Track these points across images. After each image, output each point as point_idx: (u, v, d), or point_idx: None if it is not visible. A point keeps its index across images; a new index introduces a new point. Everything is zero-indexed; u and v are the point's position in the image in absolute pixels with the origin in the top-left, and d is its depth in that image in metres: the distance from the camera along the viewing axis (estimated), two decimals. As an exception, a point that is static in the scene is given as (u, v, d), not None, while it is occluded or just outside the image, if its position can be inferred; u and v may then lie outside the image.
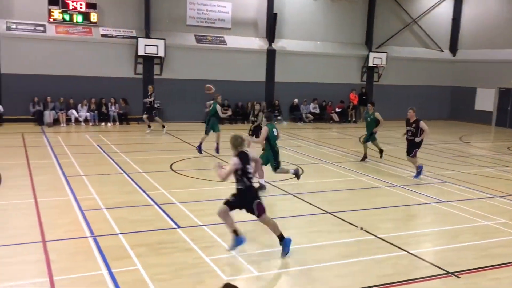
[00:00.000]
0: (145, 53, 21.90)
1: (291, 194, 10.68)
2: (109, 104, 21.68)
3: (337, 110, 26.18)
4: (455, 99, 29.11)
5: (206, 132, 14.96)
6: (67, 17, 21.06)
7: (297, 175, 11.27)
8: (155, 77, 22.81)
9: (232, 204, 7.09)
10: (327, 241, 7.87)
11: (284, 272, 6.81)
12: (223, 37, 24.03)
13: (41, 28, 20.72)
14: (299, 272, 6.71)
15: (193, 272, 6.50)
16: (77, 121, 21.02)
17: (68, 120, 20.79)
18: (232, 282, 3.52)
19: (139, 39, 21.81)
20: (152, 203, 9.58)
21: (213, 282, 6.12)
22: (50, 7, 20.75)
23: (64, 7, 20.98)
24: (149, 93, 19.53)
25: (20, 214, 8.65)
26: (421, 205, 10.40)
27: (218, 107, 15.07)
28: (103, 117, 21.47)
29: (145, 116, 19.82)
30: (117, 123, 21.65)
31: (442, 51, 29.06)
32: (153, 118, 19.70)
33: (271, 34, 24.57)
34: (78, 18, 21.23)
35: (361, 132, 22.33)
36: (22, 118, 20.32)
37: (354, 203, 10.31)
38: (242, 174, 7.05)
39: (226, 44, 23.94)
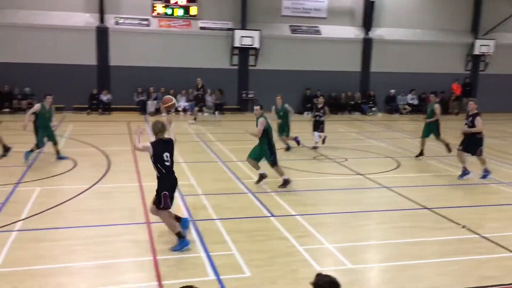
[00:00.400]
0: (241, 45, 22.35)
1: (387, 187, 10.37)
2: (206, 94, 22.45)
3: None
4: None
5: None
6: (169, 11, 22.10)
7: (286, 183, 10.07)
8: (250, 68, 23.22)
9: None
10: (424, 237, 7.55)
11: (379, 267, 6.65)
12: (318, 27, 23.79)
13: (146, 22, 21.95)
14: (395, 267, 6.51)
15: (287, 260, 6.57)
16: (176, 111, 22.04)
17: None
18: (324, 273, 3.50)
19: (235, 30, 22.30)
20: (247, 191, 9.81)
21: (306, 271, 6.15)
22: (154, 2, 21.90)
23: (167, 1, 22.03)
24: (199, 86, 19.93)
25: (127, 197, 9.30)
26: (532, 204, 9.59)
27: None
28: (201, 107, 22.27)
29: (196, 109, 20.45)
30: (217, 112, 22.36)
31: (560, 37, 26.36)
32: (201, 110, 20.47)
33: (368, 22, 23.89)
34: (179, 12, 22.20)
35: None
36: (127, 107, 21.76)
37: (455, 199, 9.77)
38: (155, 162, 6.83)
39: (321, 34, 23.69)
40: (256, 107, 10.32)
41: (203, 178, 10.76)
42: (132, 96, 21.84)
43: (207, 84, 22.39)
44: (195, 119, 19.79)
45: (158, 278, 5.93)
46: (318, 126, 14.44)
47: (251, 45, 22.42)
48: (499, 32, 25.63)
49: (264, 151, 10.11)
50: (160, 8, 21.99)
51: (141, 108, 21.60)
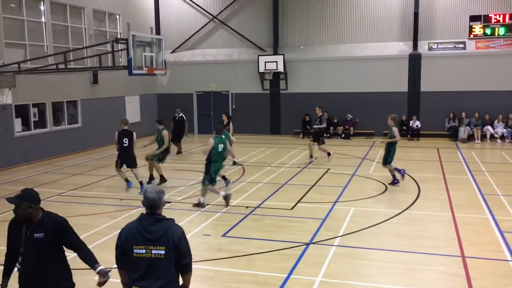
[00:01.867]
0: None
1: None
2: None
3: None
4: None
5: None
6: (488, 31, 20.65)
7: (226, 199, 10.48)
8: None
9: None
10: None
11: None
12: None
13: (461, 45, 21.06)
14: None
15: None
16: (492, 137, 20.26)
17: (483, 136, 20.30)
18: None
19: None
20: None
21: None
22: (472, 23, 20.84)
23: (486, 22, 20.64)
24: (318, 116, 15.76)
25: (439, 226, 9.02)
26: None
27: None
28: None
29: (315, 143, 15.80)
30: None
31: None
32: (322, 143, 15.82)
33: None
34: (500, 31, 20.46)
35: None
36: (437, 134, 21.22)
37: None
38: None
39: None
40: None
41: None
42: (443, 122, 21.23)
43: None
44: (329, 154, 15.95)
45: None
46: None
47: None
48: None
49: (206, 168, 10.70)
50: (478, 29, 20.77)
51: (452, 134, 20.72)
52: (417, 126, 21.35)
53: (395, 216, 9.61)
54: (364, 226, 8.92)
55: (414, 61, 21.54)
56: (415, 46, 21.55)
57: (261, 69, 22.71)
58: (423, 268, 7.01)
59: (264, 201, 10.87)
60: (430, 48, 21.50)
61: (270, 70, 22.51)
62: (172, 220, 3.97)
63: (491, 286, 6.34)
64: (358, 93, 22.10)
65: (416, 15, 21.23)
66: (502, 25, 20.42)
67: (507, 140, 19.87)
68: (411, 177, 13.16)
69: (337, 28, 22.72)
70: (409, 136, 21.37)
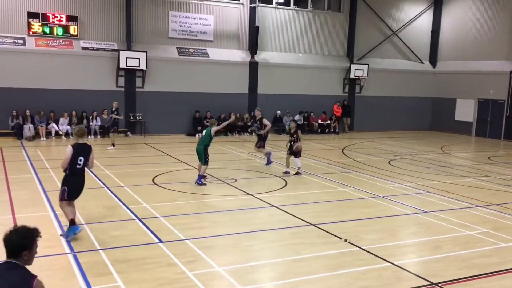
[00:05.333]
0: (127, 66, 21.79)
1: (275, 206, 10.63)
2: (90, 117, 21.45)
3: (320, 122, 26.36)
4: (436, 110, 29.50)
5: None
6: (47, 30, 20.87)
7: None
8: (137, 89, 22.68)
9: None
10: (311, 253, 7.82)
11: (269, 286, 6.73)
12: (205, 49, 24.05)
13: (21, 41, 20.48)
14: (282, 285, 6.63)
15: (176, 287, 6.38)
16: (57, 134, 20.73)
17: (49, 134, 20.50)
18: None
19: (120, 51, 21.69)
20: (134, 217, 9.43)
21: (196, 298, 6.01)
22: (30, 20, 20.56)
23: (44, 20, 20.80)
24: (114, 109, 18.85)
25: (-3, 231, 8.41)
26: (404, 215, 10.43)
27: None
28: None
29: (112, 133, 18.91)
30: (99, 136, 21.41)
31: (423, 62, 29.51)
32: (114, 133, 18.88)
33: (253, 46, 24.67)
34: (59, 31, 21.07)
35: (343, 143, 22.49)
36: (1, 132, 19.97)
37: (337, 214, 10.30)
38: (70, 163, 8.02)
39: (208, 57, 23.95)
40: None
41: (87, 205, 10.13)
42: (6, 120, 20.12)
43: (92, 107, 21.44)
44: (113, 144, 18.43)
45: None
46: (294, 151, 14.24)
47: (138, 66, 21.96)
48: (371, 57, 28.00)
49: None
50: (37, 27, 20.68)
51: (17, 133, 19.96)
52: (-24, 124, 19.43)
53: None
54: None
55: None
56: (-31, 36, 19.46)
57: None
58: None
59: None
60: (-13, 40, 19.89)
61: None
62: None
63: (49, 282, 6.30)
64: None
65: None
66: (60, 26, 21.06)
67: (71, 137, 20.75)
68: (-32, 182, 11.83)
69: None
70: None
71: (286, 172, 14.33)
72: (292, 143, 14.29)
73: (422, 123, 29.36)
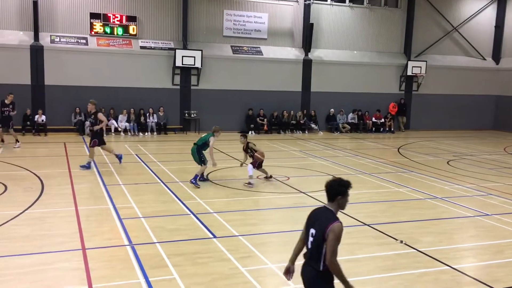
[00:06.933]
0: (183, 64, 22.24)
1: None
2: (148, 114, 22.08)
3: (373, 120, 25.83)
4: (500, 109, 28.13)
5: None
6: (108, 30, 21.69)
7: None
8: (192, 87, 23.12)
9: None
10: (365, 253, 7.68)
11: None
12: (259, 47, 24.15)
13: (83, 41, 21.39)
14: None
15: (229, 282, 6.46)
16: (116, 131, 21.49)
17: (108, 130, 21.29)
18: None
19: (176, 50, 22.18)
20: (189, 212, 9.63)
21: (249, 294, 6.06)
22: (92, 20, 21.43)
23: (105, 20, 21.62)
24: (9, 103, 16.82)
25: (62, 222, 8.85)
26: (464, 218, 10.03)
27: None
28: (142, 127, 21.88)
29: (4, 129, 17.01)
30: (155, 133, 22.01)
31: (485, 59, 28.24)
32: (7, 130, 16.98)
33: (307, 44, 24.51)
34: (119, 31, 21.83)
35: (399, 142, 21.92)
36: (64, 128, 20.97)
37: (393, 215, 10.06)
38: None
39: (262, 55, 24.04)
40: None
41: (143, 199, 10.46)
42: (69, 116, 21.12)
43: (149, 104, 22.08)
44: (2, 141, 17.09)
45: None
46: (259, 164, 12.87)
47: (193, 65, 22.37)
48: (430, 54, 27.10)
49: None
50: (98, 27, 21.55)
51: (79, 129, 20.89)
52: (42, 120, 20.50)
53: (14, 218, 8.86)
54: (-24, 235, 7.86)
55: (36, 52, 20.55)
56: (36, 37, 20.55)
57: None
58: (43, 269, 6.69)
59: None
60: (52, 41, 20.92)
61: None
62: None
63: (109, 273, 6.60)
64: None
65: (35, 4, 20.24)
66: (120, 26, 21.82)
67: (129, 134, 21.48)
68: (35, 174, 12.50)
69: None
70: (33, 131, 20.30)
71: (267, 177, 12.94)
72: (251, 157, 12.68)
73: (483, 122, 28.11)
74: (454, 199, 11.45)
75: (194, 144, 12.45)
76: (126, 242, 7.79)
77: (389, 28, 26.48)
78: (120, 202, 10.15)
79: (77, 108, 20.99)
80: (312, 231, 4.38)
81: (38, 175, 12.48)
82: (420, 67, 26.30)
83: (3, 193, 10.72)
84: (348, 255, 7.59)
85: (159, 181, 12.34)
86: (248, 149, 12.69)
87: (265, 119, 23.76)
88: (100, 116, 13.78)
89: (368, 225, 9.15)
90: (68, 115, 21.12)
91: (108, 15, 21.61)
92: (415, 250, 7.83)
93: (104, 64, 21.57)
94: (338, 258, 7.21)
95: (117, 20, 21.76)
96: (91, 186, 11.62)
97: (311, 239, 4.37)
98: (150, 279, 6.38)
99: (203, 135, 12.74)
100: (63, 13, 21.07)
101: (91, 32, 21.49)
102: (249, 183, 12.08)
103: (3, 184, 11.40)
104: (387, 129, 25.86)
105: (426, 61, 26.45)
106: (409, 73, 26.37)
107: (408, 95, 27.02)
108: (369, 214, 9.94)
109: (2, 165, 13.78)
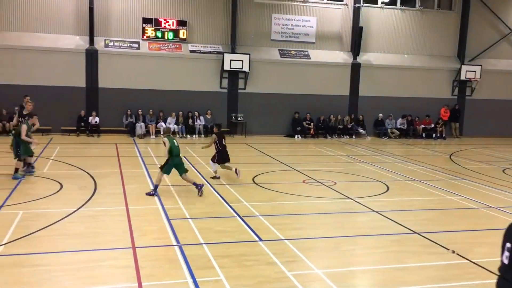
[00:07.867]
0: (230, 68, 22.48)
1: (376, 212, 10.32)
2: (195, 117, 22.45)
3: (423, 126, 25.14)
4: (560, 115, 26.72)
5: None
6: (159, 34, 22.24)
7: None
8: (240, 91, 23.31)
9: None
10: (414, 262, 7.47)
11: (369, 293, 6.55)
12: (307, 51, 24.06)
13: (136, 45, 22.03)
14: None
15: (275, 286, 6.44)
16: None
17: (158, 132, 21.81)
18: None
19: (225, 54, 22.44)
20: (235, 215, 9.69)
21: (295, 298, 6.02)
22: (145, 25, 22.05)
23: (157, 25, 22.19)
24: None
25: (113, 221, 9.13)
26: (521, 229, 9.55)
27: None
28: (190, 130, 22.27)
29: None
30: (202, 135, 22.33)
31: (544, 63, 26.92)
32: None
33: (356, 47, 24.20)
34: (169, 35, 22.34)
35: (451, 149, 21.22)
36: (116, 130, 21.66)
37: (444, 224, 9.74)
38: None
39: (310, 58, 23.94)
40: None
41: (191, 201, 10.63)
42: (121, 118, 21.79)
43: (197, 107, 22.44)
44: None
45: (143, 305, 5.75)
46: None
47: (241, 68, 22.56)
48: (484, 58, 26.12)
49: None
50: (150, 32, 22.14)
51: (130, 130, 21.50)
52: (96, 122, 21.25)
53: (68, 215, 9.22)
54: (33, 230, 8.22)
55: (91, 56, 21.36)
56: (91, 41, 21.36)
57: None
58: (94, 265, 6.92)
59: None
60: (106, 45, 21.68)
61: None
62: None
63: (157, 272, 6.74)
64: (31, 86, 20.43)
65: (91, 10, 21.04)
66: (170, 30, 22.34)
67: (178, 136, 21.88)
68: (89, 174, 12.96)
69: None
70: (87, 132, 21.07)
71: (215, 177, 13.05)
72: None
73: (543, 130, 26.79)
74: (511, 209, 10.95)
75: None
76: (174, 242, 7.93)
77: (442, 31, 25.73)
78: (169, 203, 10.36)
79: (129, 110, 21.63)
80: (508, 245, 3.89)
81: (92, 174, 12.94)
82: (475, 71, 25.39)
83: (58, 191, 11.18)
84: (396, 263, 7.41)
85: (206, 183, 12.50)
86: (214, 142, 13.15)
87: (312, 123, 23.62)
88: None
89: (417, 233, 8.90)
90: (119, 117, 21.80)
91: (160, 20, 22.17)
92: (467, 261, 7.54)
93: (155, 68, 22.13)
94: (385, 266, 6.99)
95: (168, 25, 22.28)
96: (141, 187, 11.92)
97: (506, 253, 3.89)
98: (197, 280, 6.46)
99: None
100: (117, 18, 21.81)
101: (143, 37, 22.10)
102: (215, 177, 12.99)
103: (58, 182, 11.89)
104: (439, 135, 25.10)
105: (481, 65, 25.51)
106: (462, 77, 25.51)
107: (461, 100, 26.15)
108: (419, 222, 9.67)
109: (57, 164, 14.38)
